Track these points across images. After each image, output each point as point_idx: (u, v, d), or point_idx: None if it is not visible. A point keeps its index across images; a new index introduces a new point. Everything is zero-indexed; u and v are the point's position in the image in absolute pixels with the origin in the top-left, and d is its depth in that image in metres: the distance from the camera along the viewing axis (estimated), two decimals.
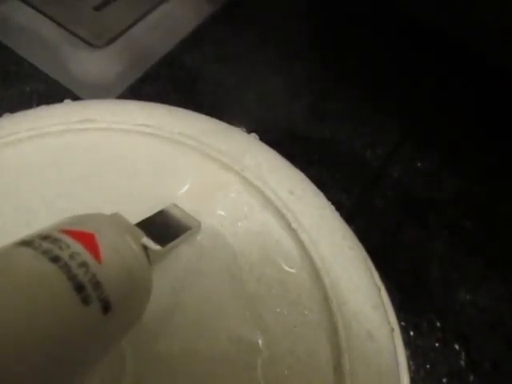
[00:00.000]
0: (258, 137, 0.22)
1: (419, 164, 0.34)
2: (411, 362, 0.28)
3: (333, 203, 0.24)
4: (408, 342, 0.28)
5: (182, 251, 0.17)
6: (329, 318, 0.16)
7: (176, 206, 0.18)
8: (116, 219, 0.15)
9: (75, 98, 0.33)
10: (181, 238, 0.18)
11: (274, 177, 0.19)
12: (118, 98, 0.33)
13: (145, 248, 0.15)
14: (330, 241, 0.18)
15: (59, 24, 0.36)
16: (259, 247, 0.18)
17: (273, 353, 0.16)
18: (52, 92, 0.33)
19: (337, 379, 0.16)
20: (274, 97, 0.35)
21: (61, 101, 0.29)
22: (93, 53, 0.36)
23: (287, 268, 0.17)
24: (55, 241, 0.12)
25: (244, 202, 0.18)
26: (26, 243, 0.12)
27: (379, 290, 0.19)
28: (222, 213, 0.18)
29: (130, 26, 0.37)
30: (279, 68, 0.37)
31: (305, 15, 0.40)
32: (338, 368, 0.16)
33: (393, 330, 0.19)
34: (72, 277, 0.12)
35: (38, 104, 0.32)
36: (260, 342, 0.16)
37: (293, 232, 0.18)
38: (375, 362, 0.16)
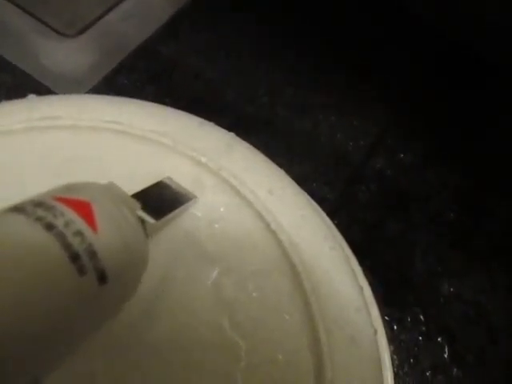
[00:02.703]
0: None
1: (402, 156, 0.34)
2: (395, 357, 0.28)
3: (316, 197, 0.24)
4: (392, 337, 0.28)
5: (156, 257, 0.17)
6: (310, 323, 0.16)
7: (171, 179, 0.18)
8: (112, 189, 0.15)
9: (46, 90, 0.31)
10: (177, 210, 0.17)
11: (252, 176, 0.18)
12: (91, 91, 0.32)
13: (141, 220, 0.15)
14: (311, 242, 0.18)
15: (28, 12, 0.34)
16: (236, 250, 0.17)
17: (252, 361, 0.16)
18: (21, 85, 0.32)
19: None
20: (255, 89, 0.34)
21: (31, 94, 0.28)
22: (64, 43, 0.34)
23: (266, 272, 0.17)
24: (49, 208, 0.12)
25: (220, 203, 0.18)
26: (18, 209, 0.11)
27: (362, 290, 0.19)
28: (198, 214, 0.18)
29: (104, 15, 0.36)
30: (261, 59, 0.36)
31: (289, 5, 0.39)
32: (319, 375, 0.15)
33: (376, 331, 0.18)
34: (67, 245, 0.11)
35: (7, 97, 0.30)
36: (239, 349, 0.16)
37: (272, 234, 0.17)
38: (358, 368, 0.16)
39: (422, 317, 0.28)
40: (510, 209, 0.32)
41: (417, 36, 0.38)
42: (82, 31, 0.34)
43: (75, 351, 0.12)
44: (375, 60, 0.37)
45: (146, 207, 0.15)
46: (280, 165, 0.23)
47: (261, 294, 0.16)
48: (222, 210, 0.18)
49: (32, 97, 0.20)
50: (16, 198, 0.17)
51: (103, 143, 0.18)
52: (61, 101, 0.19)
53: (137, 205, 0.15)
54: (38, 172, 0.17)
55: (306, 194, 0.21)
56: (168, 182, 0.18)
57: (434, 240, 0.31)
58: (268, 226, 0.17)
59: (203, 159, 0.18)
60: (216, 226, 0.17)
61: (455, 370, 0.27)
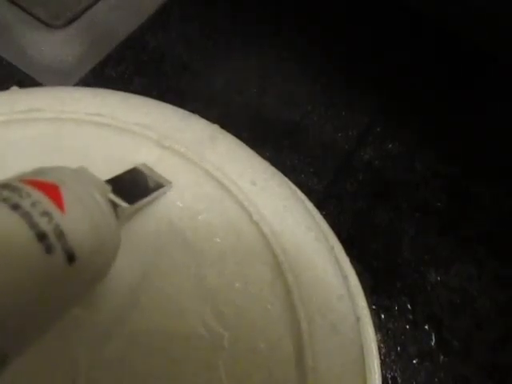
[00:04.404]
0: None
1: (390, 145, 0.34)
2: (382, 345, 0.28)
3: (304, 187, 0.24)
4: (379, 326, 0.28)
5: (140, 248, 0.17)
6: (291, 312, 0.16)
7: (146, 165, 0.18)
8: (82, 173, 0.15)
9: (32, 82, 0.31)
10: (151, 196, 0.17)
11: (236, 167, 0.19)
12: (79, 83, 0.32)
13: (114, 205, 0.15)
14: (294, 232, 0.18)
15: (14, 3, 0.34)
16: (219, 241, 0.17)
17: (235, 349, 0.16)
18: (7, 76, 0.31)
19: (299, 374, 0.15)
20: (244, 81, 0.34)
21: (17, 85, 0.27)
22: (51, 34, 0.34)
23: (249, 262, 0.17)
24: (15, 189, 0.12)
25: (203, 195, 0.18)
26: None
27: (345, 278, 0.19)
28: (181, 205, 0.18)
29: (91, 5, 0.35)
30: (249, 51, 0.36)
31: None
32: (299, 363, 0.15)
33: (358, 319, 0.18)
34: (34, 225, 0.11)
35: None
36: (222, 339, 0.16)
37: (254, 225, 0.17)
38: (339, 355, 0.16)
39: (409, 305, 0.29)
40: (497, 197, 0.32)
41: (405, 25, 0.38)
42: (69, 22, 0.34)
43: (46, 330, 0.12)
44: (364, 50, 0.37)
45: (119, 192, 0.15)
46: (268, 155, 0.23)
47: (243, 284, 0.17)
48: (205, 201, 0.18)
49: (15, 89, 0.20)
50: None
51: (86, 136, 0.18)
52: (44, 93, 0.19)
53: (108, 188, 0.15)
54: (20, 165, 0.17)
55: (290, 185, 0.21)
56: (142, 168, 0.18)
57: (421, 228, 0.31)
58: (251, 216, 0.17)
59: (186, 151, 0.18)
60: (199, 217, 0.17)
61: (442, 357, 0.27)
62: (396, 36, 0.38)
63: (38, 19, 0.34)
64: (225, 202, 0.18)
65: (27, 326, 0.11)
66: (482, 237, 0.31)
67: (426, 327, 0.28)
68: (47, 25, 0.34)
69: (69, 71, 0.32)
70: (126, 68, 0.33)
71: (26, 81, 0.31)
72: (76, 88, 0.21)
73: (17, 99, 0.18)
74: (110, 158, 0.18)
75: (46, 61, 0.33)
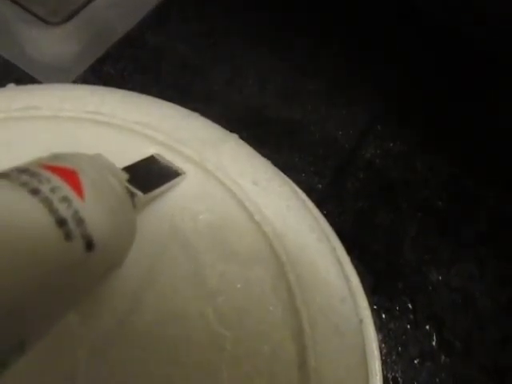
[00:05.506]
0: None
1: (391, 144, 0.34)
2: (383, 345, 0.28)
3: (304, 187, 0.24)
4: (380, 326, 0.28)
5: (141, 248, 0.16)
6: (294, 314, 0.16)
7: (160, 155, 0.18)
8: (99, 160, 0.15)
9: (30, 79, 0.31)
10: (165, 185, 0.17)
11: (237, 167, 0.18)
12: (77, 80, 0.31)
13: (130, 193, 0.15)
14: (296, 233, 0.17)
15: (12, 0, 0.34)
16: (221, 242, 0.17)
17: (237, 352, 0.16)
18: (5, 74, 0.31)
19: (302, 377, 0.15)
20: (244, 78, 0.34)
21: (15, 83, 0.27)
22: (48, 31, 0.33)
23: (251, 263, 0.17)
24: (34, 174, 0.11)
25: (204, 194, 0.18)
26: (2, 175, 0.11)
27: (348, 280, 0.19)
28: (182, 205, 0.17)
29: (89, 2, 0.35)
30: (249, 48, 0.35)
31: None
32: (303, 366, 0.15)
33: (361, 321, 0.18)
34: (53, 210, 0.11)
35: None
36: (224, 340, 0.16)
37: (256, 225, 0.17)
38: (342, 357, 0.16)
39: (410, 305, 0.29)
40: (498, 196, 0.32)
41: (405, 25, 0.38)
42: (67, 19, 0.34)
43: (62, 317, 0.12)
44: (364, 48, 0.37)
45: (135, 181, 0.15)
46: (268, 154, 0.23)
47: (245, 285, 0.16)
48: (205, 201, 0.17)
49: (11, 86, 0.20)
50: None
51: (85, 135, 0.18)
52: (41, 90, 0.18)
53: (124, 176, 0.15)
54: (17, 163, 0.17)
55: (292, 185, 0.21)
56: (157, 157, 0.18)
57: (422, 228, 0.31)
58: (252, 217, 0.17)
59: (187, 150, 0.18)
60: (200, 217, 0.17)
61: (443, 357, 0.27)
62: (396, 36, 0.38)
63: (36, 16, 0.33)
64: (226, 201, 0.17)
65: (44, 313, 0.11)
66: (483, 236, 0.31)
67: (427, 327, 0.28)
68: (45, 21, 0.33)
69: (67, 68, 0.32)
70: (125, 66, 0.33)
71: (23, 78, 0.31)
72: (75, 85, 0.21)
73: (14, 96, 0.18)
74: (110, 157, 0.17)
75: (44, 58, 0.32)
